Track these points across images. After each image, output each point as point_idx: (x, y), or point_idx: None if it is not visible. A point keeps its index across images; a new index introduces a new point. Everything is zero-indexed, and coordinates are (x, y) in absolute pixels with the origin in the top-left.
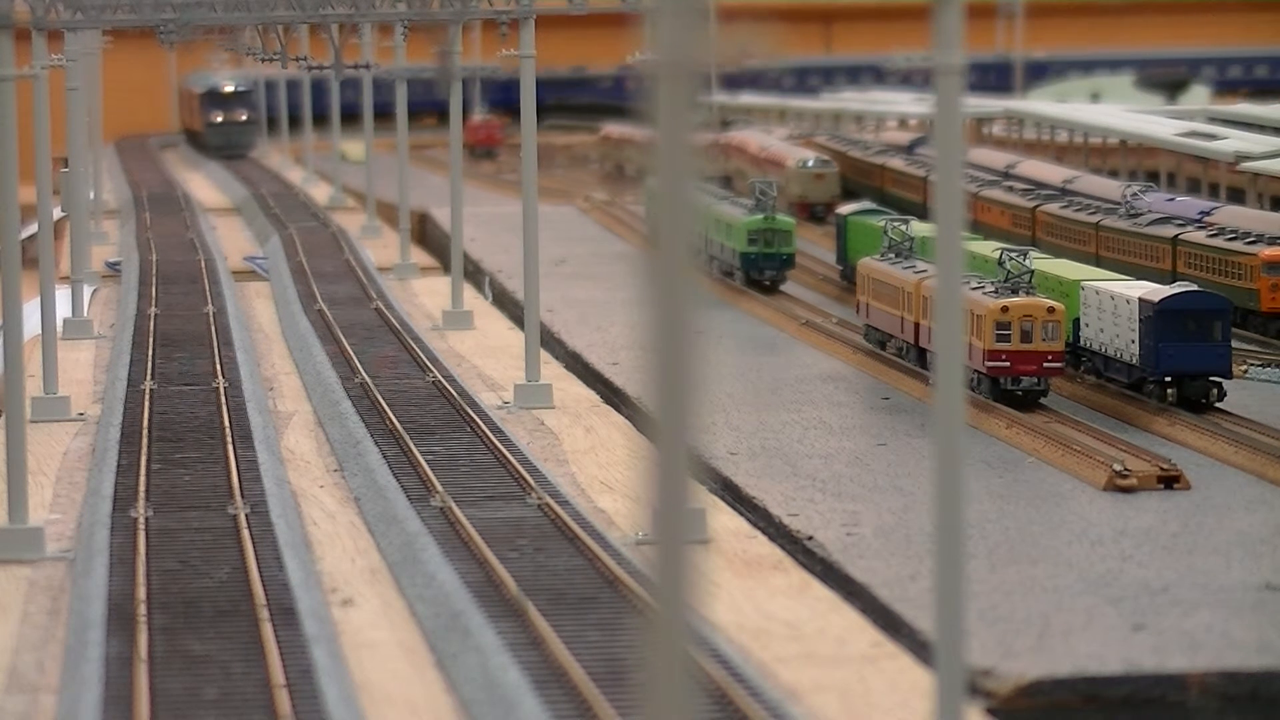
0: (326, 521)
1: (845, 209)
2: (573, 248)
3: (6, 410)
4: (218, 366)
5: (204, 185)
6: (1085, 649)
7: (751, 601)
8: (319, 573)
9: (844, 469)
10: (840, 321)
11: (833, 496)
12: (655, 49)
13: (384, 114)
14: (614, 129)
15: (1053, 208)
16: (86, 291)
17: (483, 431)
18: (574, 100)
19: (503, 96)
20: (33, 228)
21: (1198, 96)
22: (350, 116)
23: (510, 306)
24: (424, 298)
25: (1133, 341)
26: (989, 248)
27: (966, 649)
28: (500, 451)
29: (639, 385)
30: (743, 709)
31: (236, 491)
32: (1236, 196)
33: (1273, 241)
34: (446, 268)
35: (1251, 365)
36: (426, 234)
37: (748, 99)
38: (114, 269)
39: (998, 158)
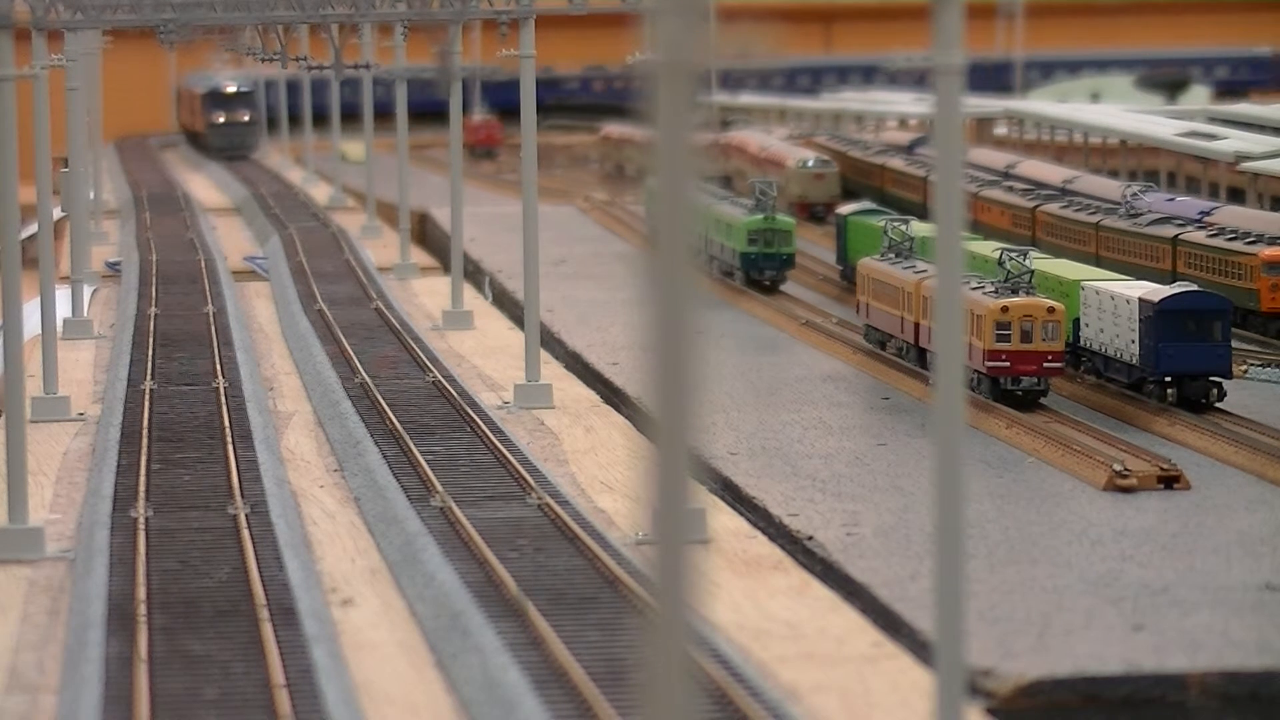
0: (326, 521)
1: (845, 209)
2: (573, 248)
3: (6, 410)
4: (218, 366)
5: (204, 185)
6: (1085, 649)
7: (751, 601)
8: (319, 573)
9: (844, 469)
10: (840, 321)
11: (833, 496)
12: (655, 49)
13: (384, 114)
14: (614, 129)
15: (1053, 208)
16: (86, 291)
17: (483, 431)
18: (574, 101)
19: (503, 97)
20: (33, 228)
21: (1198, 96)
22: (350, 116)
23: (510, 306)
24: (424, 298)
25: (1133, 341)
26: (989, 248)
27: (966, 649)
28: (500, 451)
29: (639, 385)
30: (743, 709)
31: (236, 491)
32: (1236, 196)
33: (1273, 241)
34: (446, 268)
35: (1251, 365)
36: (426, 234)
37: (748, 99)
38: (114, 269)
39: (998, 158)
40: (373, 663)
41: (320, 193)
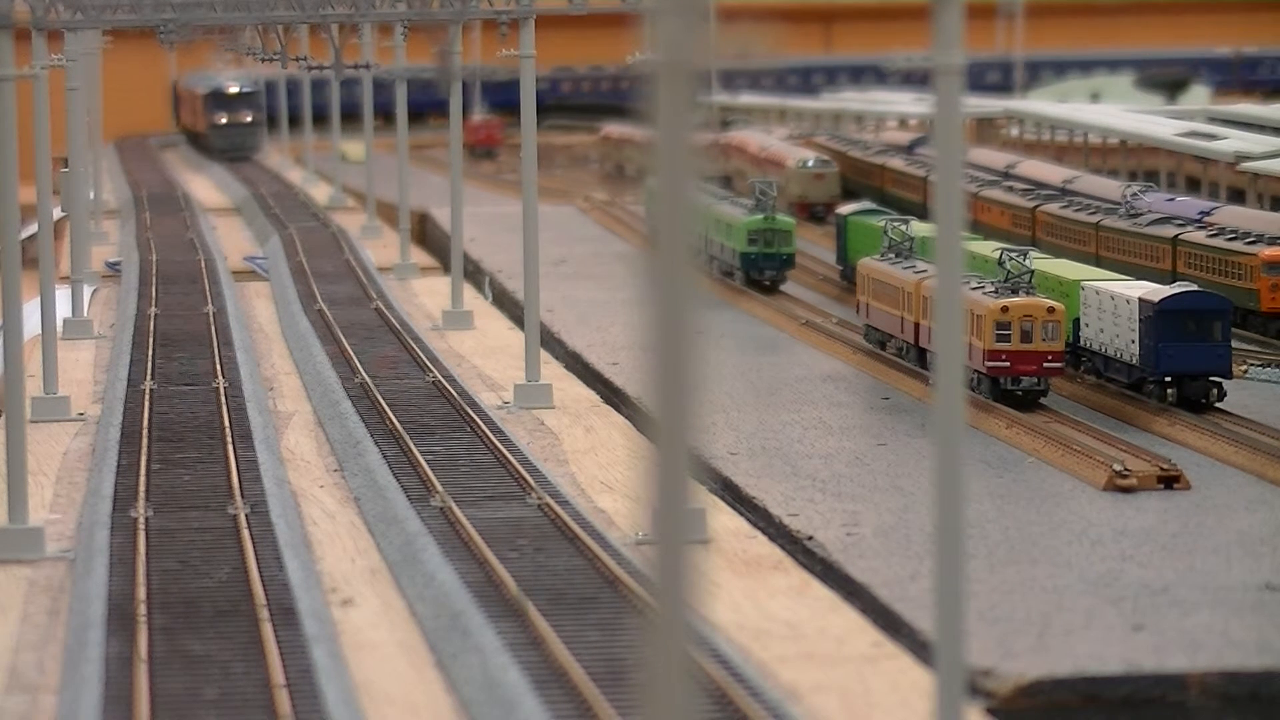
0: (326, 521)
1: (845, 209)
2: (573, 248)
3: (6, 410)
4: (218, 366)
5: (204, 185)
6: (1085, 649)
7: (751, 601)
8: (319, 573)
9: (844, 469)
10: (840, 321)
11: (833, 496)
12: (655, 49)
13: (384, 114)
14: (614, 129)
15: (1053, 208)
16: (86, 291)
17: (483, 431)
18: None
19: (503, 97)
20: (33, 228)
21: (1198, 96)
22: (350, 116)
23: (510, 306)
24: (424, 298)
25: (1133, 341)
26: (989, 248)
27: (966, 649)
28: (500, 451)
29: (639, 385)
30: (743, 709)
31: (236, 491)
32: (1236, 196)
33: (1273, 241)
34: (446, 268)
35: (1251, 365)
36: (426, 234)
37: (748, 99)
38: (114, 269)
39: (998, 158)
40: (373, 663)
41: (320, 193)
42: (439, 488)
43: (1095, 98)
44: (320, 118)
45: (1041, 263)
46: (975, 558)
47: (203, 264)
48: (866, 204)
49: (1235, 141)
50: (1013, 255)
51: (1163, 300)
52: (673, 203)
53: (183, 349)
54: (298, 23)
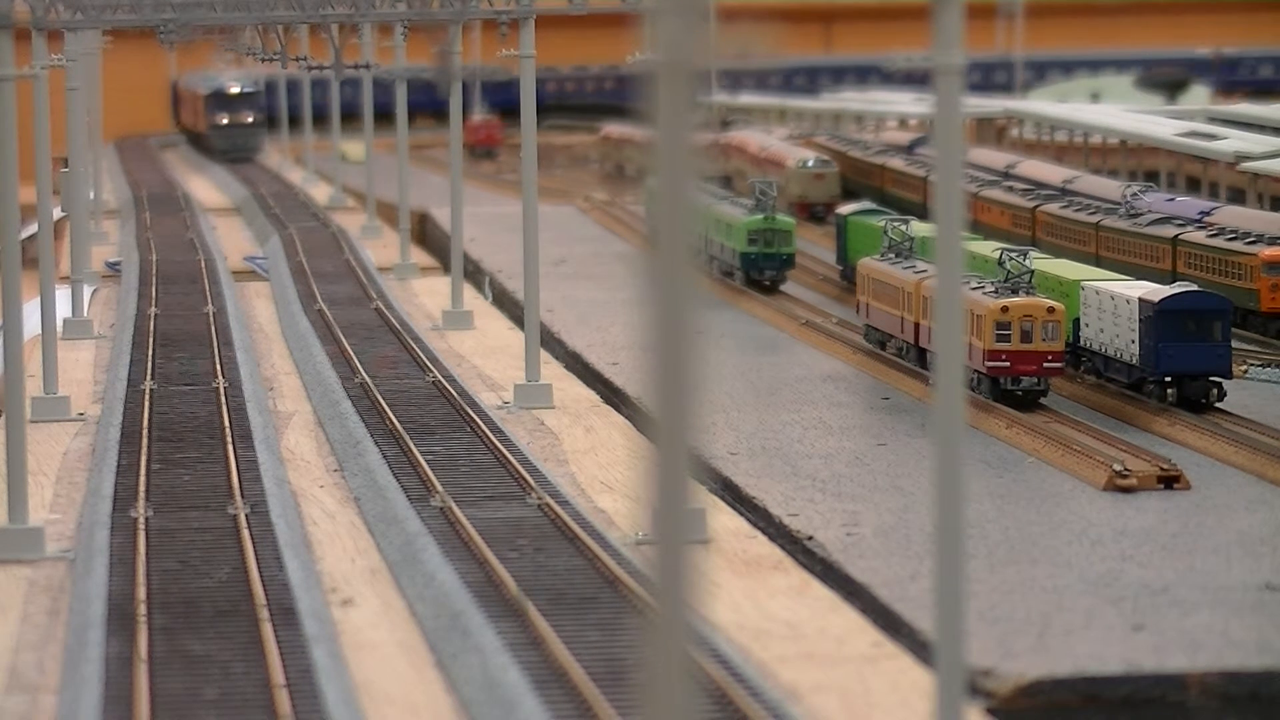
0: (326, 521)
1: (845, 209)
2: (573, 248)
3: (6, 410)
4: (218, 366)
5: (204, 185)
6: (1085, 649)
7: (751, 601)
8: (319, 573)
9: (844, 469)
10: (840, 321)
11: (833, 496)
12: (655, 49)
13: (384, 114)
14: (614, 129)
15: (1053, 208)
16: (86, 291)
17: (483, 431)
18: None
19: (502, 96)
20: (33, 228)
21: (1198, 96)
22: (350, 116)
23: (510, 306)
24: (424, 298)
25: (1133, 341)
26: (989, 248)
27: (966, 649)
28: (500, 451)
29: (639, 385)
30: (743, 709)
31: (236, 491)
32: (1236, 196)
33: (1273, 241)
34: (446, 268)
35: (1251, 365)
36: (426, 234)
37: (748, 99)
38: (114, 269)
39: (998, 158)
40: (373, 663)
41: (320, 193)
42: (439, 488)
43: (1095, 98)
44: (320, 118)
45: (1041, 263)
46: (975, 558)
47: (203, 264)
48: (866, 204)
49: (1235, 141)
50: (1013, 255)
51: (1163, 300)
52: (673, 203)
53: (183, 349)
54: (298, 23)
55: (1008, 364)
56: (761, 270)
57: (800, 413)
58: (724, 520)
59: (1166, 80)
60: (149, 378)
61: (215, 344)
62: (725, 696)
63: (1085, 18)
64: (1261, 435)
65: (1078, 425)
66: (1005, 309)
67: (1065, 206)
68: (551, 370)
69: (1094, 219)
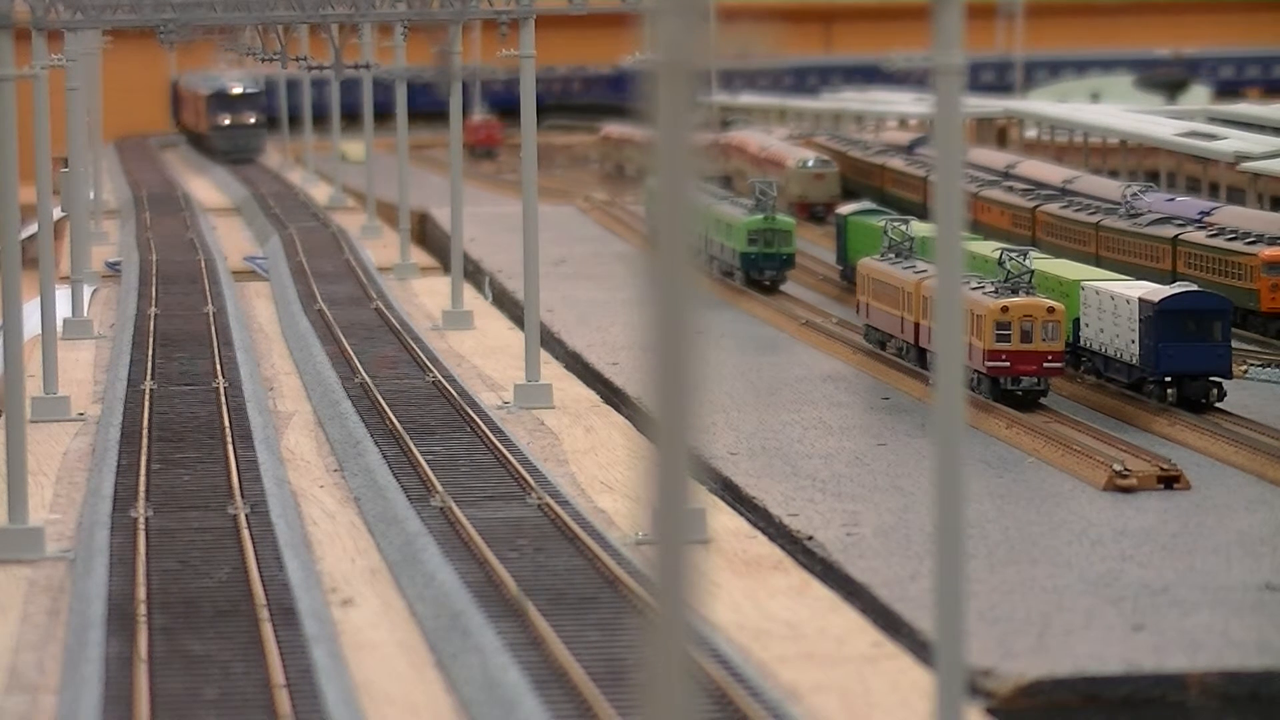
0: (326, 521)
1: (845, 209)
2: (573, 248)
3: (6, 410)
4: (218, 366)
5: (204, 185)
6: (1085, 649)
7: (751, 601)
8: (319, 573)
9: (844, 469)
10: (840, 321)
11: (833, 496)
12: (655, 49)
13: (384, 114)
14: (614, 129)
15: (1053, 208)
16: (86, 291)
17: (483, 431)
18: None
19: (503, 97)
20: (33, 228)
21: (1198, 96)
22: (350, 116)
23: (510, 306)
24: (424, 298)
25: (1133, 341)
26: (989, 248)
27: (966, 649)
28: (500, 451)
29: (639, 385)
30: (743, 709)
31: (236, 491)
32: (1236, 196)
33: (1273, 241)
34: (446, 268)
35: (1251, 365)
36: (426, 234)
37: (748, 99)
38: (114, 269)
39: (998, 158)
40: (373, 663)
41: (320, 193)
42: (439, 488)
43: (1095, 98)
44: (320, 118)
45: (1041, 263)
46: (975, 558)
47: (203, 264)
48: (866, 204)
49: (1235, 141)
50: (1013, 255)
51: (1163, 300)
52: (673, 203)
53: (183, 349)
54: (298, 23)
55: (1008, 364)
56: (761, 270)
57: (800, 413)
58: (724, 520)
59: (1166, 80)
60: (149, 378)
61: (215, 344)
62: (725, 696)
63: (1085, 18)
64: (1261, 435)
65: (1078, 425)
66: (1005, 309)
67: (1065, 206)
68: (551, 370)
69: (1094, 219)
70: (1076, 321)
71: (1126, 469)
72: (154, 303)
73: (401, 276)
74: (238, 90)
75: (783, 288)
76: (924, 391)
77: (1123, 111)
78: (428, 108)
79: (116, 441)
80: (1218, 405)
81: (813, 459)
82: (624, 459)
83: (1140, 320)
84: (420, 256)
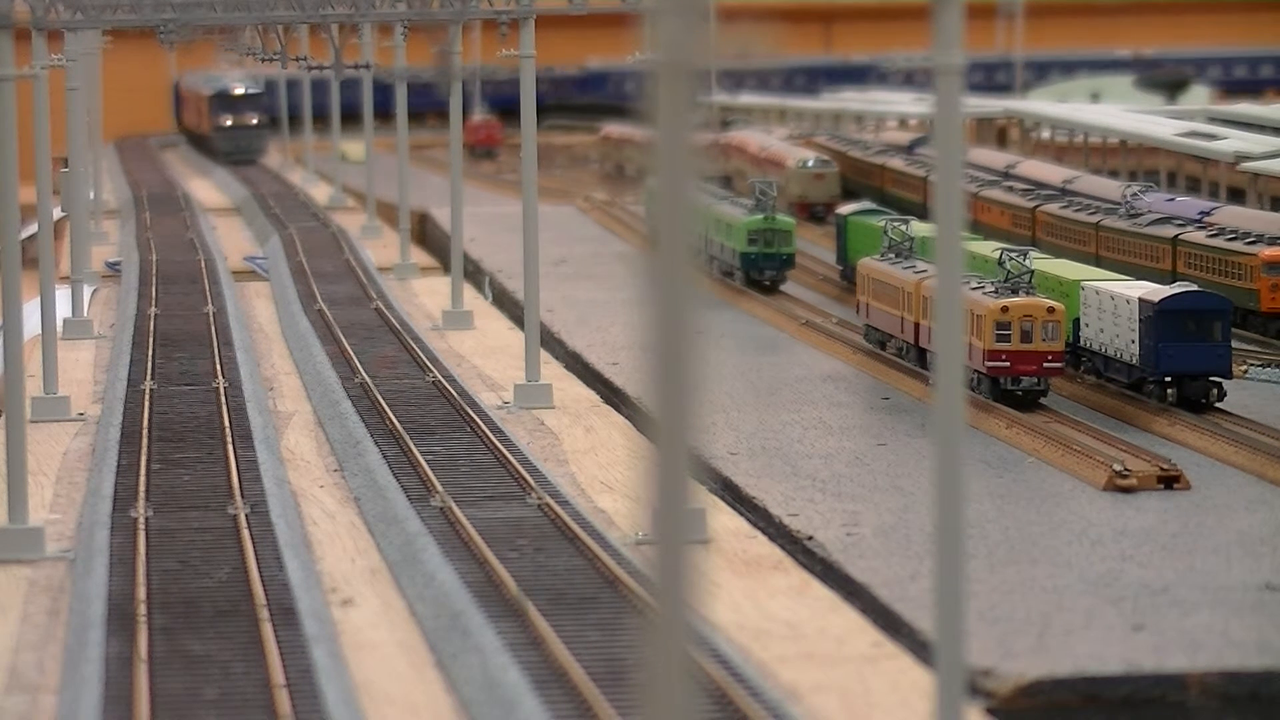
0: (326, 521)
1: (845, 209)
2: (573, 248)
3: (6, 410)
4: (218, 366)
5: (204, 185)
6: (1085, 649)
7: (751, 601)
8: (319, 573)
9: (844, 469)
10: (840, 321)
11: (833, 496)
12: (655, 49)
13: (384, 114)
14: (614, 129)
15: (1053, 208)
16: (86, 291)
17: (483, 431)
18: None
19: (502, 97)
20: (33, 228)
21: (1198, 96)
22: (350, 116)
23: (510, 306)
24: (424, 298)
25: (1133, 341)
26: (989, 248)
27: (966, 649)
28: (500, 451)
29: (639, 385)
30: (743, 709)
31: (236, 491)
32: (1236, 196)
33: (1273, 241)
34: (446, 268)
35: (1251, 365)
36: (426, 234)
37: (748, 99)
38: (114, 269)
39: (998, 158)
40: (373, 663)
41: (320, 193)
42: (439, 488)
43: (1095, 98)
44: (320, 118)
45: (1041, 263)
46: (975, 558)
47: (203, 264)
48: (866, 204)
49: (1235, 141)
50: (1013, 255)
51: (1163, 300)
52: (673, 203)
53: (183, 349)
54: (298, 23)
55: (1008, 364)
56: (761, 270)
57: (800, 413)
58: (724, 520)
59: (1166, 80)
60: (149, 378)
61: (215, 344)
62: (725, 696)
63: (1085, 18)
64: (1261, 435)
65: (1078, 425)
66: (1005, 309)
67: (1065, 206)
68: (551, 370)
69: (1094, 219)
70: (1076, 321)
71: (1126, 469)
72: (154, 303)
73: (401, 276)
74: (240, 91)
75: (783, 288)
76: (924, 391)
77: (1123, 111)
78: (428, 108)
79: (116, 441)
80: (1218, 405)
81: (813, 459)
82: (624, 459)
83: (1140, 320)
84: (420, 256)
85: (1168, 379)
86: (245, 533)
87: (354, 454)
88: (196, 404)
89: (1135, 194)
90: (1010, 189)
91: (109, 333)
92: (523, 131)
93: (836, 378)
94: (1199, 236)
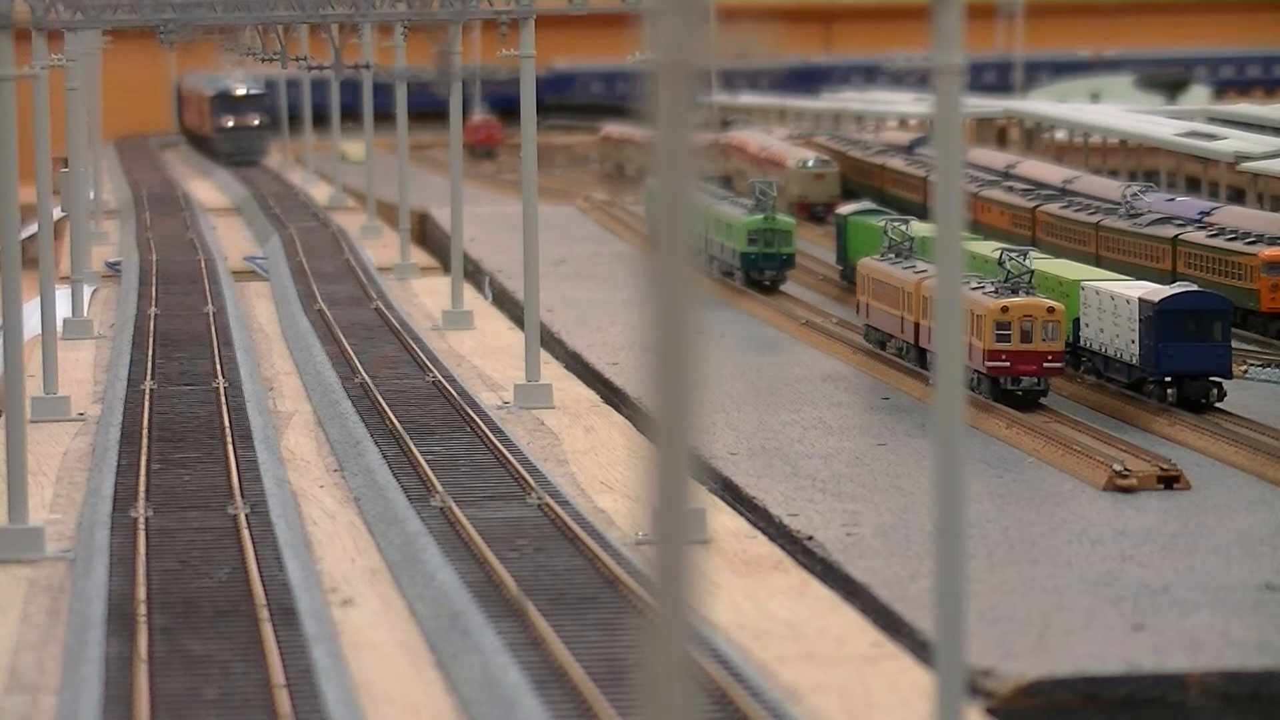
0: (326, 521)
1: (845, 209)
2: (573, 248)
3: (6, 410)
4: (218, 366)
5: (204, 185)
6: (1085, 649)
7: (751, 601)
8: (319, 573)
9: (844, 469)
10: (840, 321)
11: (833, 496)
12: (655, 49)
13: (384, 114)
14: (614, 129)
15: (1053, 208)
16: (86, 291)
17: (483, 431)
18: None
19: (502, 97)
20: (33, 228)
21: (1198, 96)
22: (350, 116)
23: (510, 306)
24: (424, 298)
25: (1133, 341)
26: (989, 248)
27: (966, 649)
28: (500, 451)
29: (639, 385)
30: (743, 709)
31: (236, 491)
32: (1236, 196)
33: (1273, 241)
34: (446, 268)
35: (1251, 365)
36: (426, 234)
37: (748, 99)
38: (114, 269)
39: (998, 158)
40: (373, 663)
41: (320, 193)
42: (439, 488)
43: (1095, 98)
44: (320, 118)
45: (1041, 263)
46: (975, 558)
47: (203, 264)
48: (866, 204)
49: (1235, 141)
50: (1013, 255)
51: (1163, 300)
52: (673, 203)
53: (183, 349)
54: (298, 23)
55: (1008, 364)
56: (761, 270)
57: (800, 413)
58: (724, 520)
59: (1166, 80)
60: (149, 378)
61: (215, 344)
62: (725, 696)
63: (1085, 18)
64: (1261, 435)
65: (1078, 425)
66: (1005, 309)
67: (1065, 206)
68: (551, 370)
69: (1094, 219)
70: (1076, 321)
71: (1126, 469)
72: (154, 303)
73: (401, 276)
74: (242, 91)
75: (783, 288)
76: (924, 391)
77: (1123, 111)
78: (428, 108)
79: (116, 441)
80: (1218, 405)
81: (813, 459)
82: (624, 459)
83: (1140, 320)
84: (420, 256)
85: (1168, 379)
86: (245, 533)
87: (354, 454)
88: (196, 404)
89: (1135, 194)
90: (1010, 189)
91: (109, 333)
92: (523, 131)
93: (836, 378)
94: (1199, 236)
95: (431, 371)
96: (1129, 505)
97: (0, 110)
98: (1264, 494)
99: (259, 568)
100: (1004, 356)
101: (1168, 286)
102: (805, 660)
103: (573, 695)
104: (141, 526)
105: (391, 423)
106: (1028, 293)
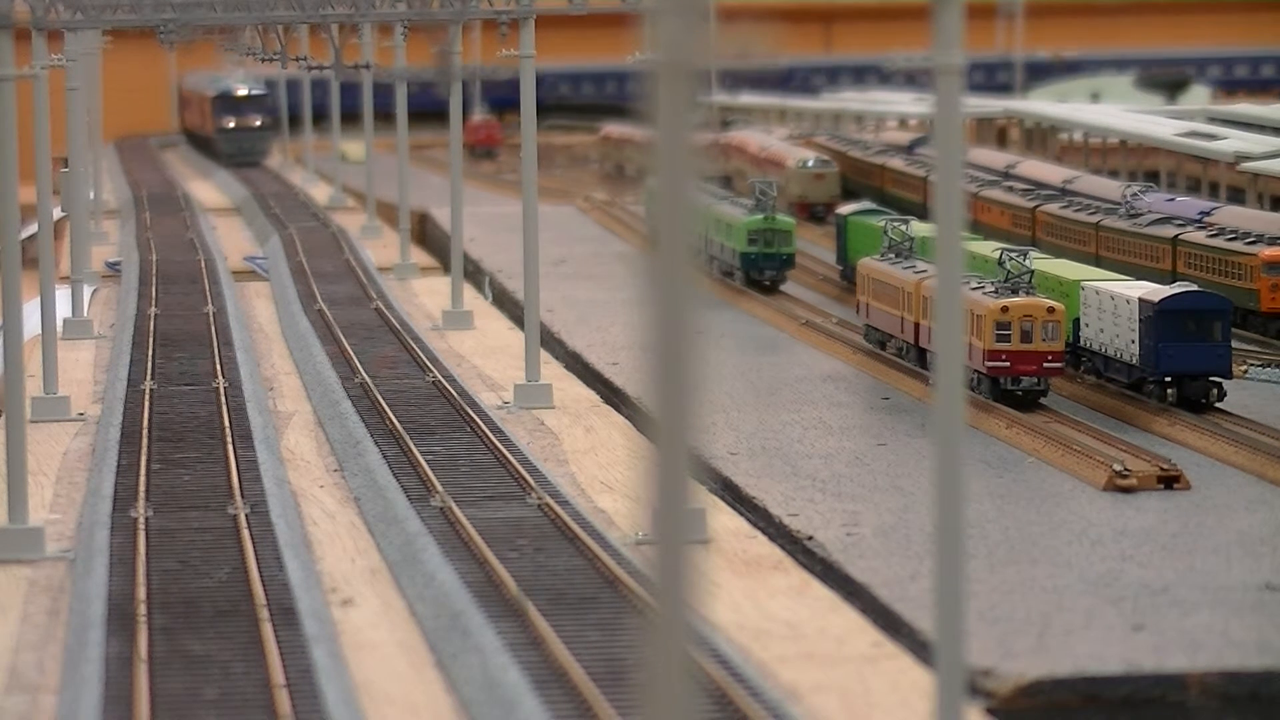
0: (326, 521)
1: (845, 209)
2: (573, 248)
3: (6, 410)
4: (218, 366)
5: (204, 185)
6: (1085, 649)
7: (751, 601)
8: (319, 573)
9: (844, 469)
10: (840, 321)
11: (833, 496)
12: (655, 49)
13: (384, 114)
14: (614, 129)
15: (1053, 208)
16: (86, 291)
17: (483, 431)
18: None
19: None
20: (33, 228)
21: (1198, 96)
22: (350, 116)
23: (510, 306)
24: (424, 298)
25: (1133, 341)
26: (989, 248)
27: (966, 649)
28: (500, 451)
29: (639, 385)
30: (743, 709)
31: (236, 491)
32: (1236, 196)
33: (1273, 241)
34: (446, 268)
35: (1251, 365)
36: (426, 234)
37: (748, 99)
38: (114, 269)
39: (998, 158)
40: (373, 663)
41: (320, 193)
42: (439, 488)
43: (1095, 98)
44: (320, 118)
45: (1041, 263)
46: (975, 558)
47: (203, 264)
48: (866, 204)
49: (1235, 141)
50: (1013, 255)
51: (1163, 300)
52: (673, 203)
53: (183, 349)
54: (298, 23)
55: (1008, 364)
56: (761, 270)
57: (800, 413)
58: (724, 520)
59: (1166, 80)
60: (149, 378)
61: (215, 344)
62: (725, 696)
63: (1085, 18)
64: (1261, 435)
65: (1078, 425)
66: (1005, 309)
67: (1065, 206)
68: (551, 370)
69: (1094, 219)
70: (1076, 321)
71: (1126, 469)
72: (154, 303)
73: (401, 276)
74: (243, 92)
75: (783, 288)
76: (924, 391)
77: (1123, 111)
78: (428, 108)
79: (116, 441)
80: (1218, 405)
81: (813, 459)
82: (624, 459)
83: (1140, 320)
84: (420, 256)
85: (1168, 379)
86: (245, 533)
87: (354, 454)
88: (196, 404)
89: (1135, 194)
90: (1010, 189)
91: (109, 333)
92: (523, 131)
93: (836, 378)
94: (1199, 236)
95: (431, 371)
96: (1129, 505)
97: (0, 110)
98: (1264, 494)
99: (259, 568)
100: (1004, 356)
101: (1168, 286)
102: (805, 660)
103: (573, 695)
104: (141, 526)
105: (391, 423)
106: (1028, 293)
